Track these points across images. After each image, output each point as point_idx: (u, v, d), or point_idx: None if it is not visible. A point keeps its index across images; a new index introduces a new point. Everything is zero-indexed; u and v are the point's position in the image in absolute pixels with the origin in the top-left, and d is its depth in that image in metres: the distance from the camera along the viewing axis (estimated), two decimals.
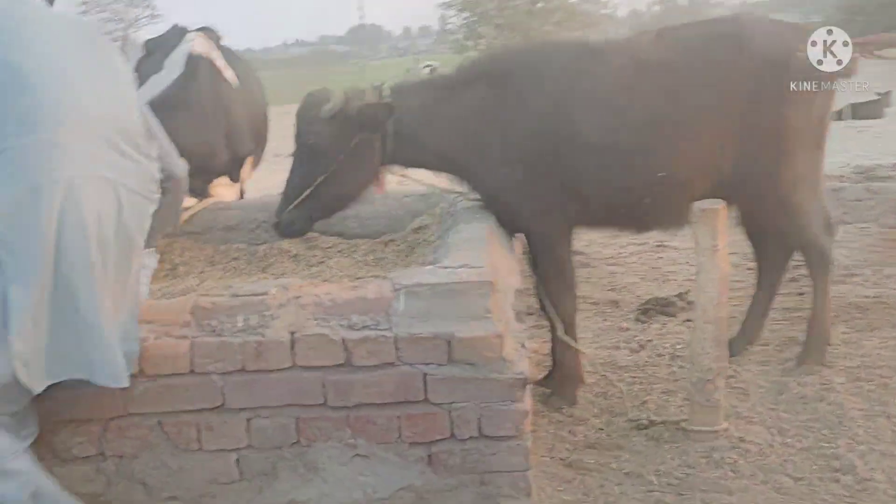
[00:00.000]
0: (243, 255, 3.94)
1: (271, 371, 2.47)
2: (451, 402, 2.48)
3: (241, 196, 4.69)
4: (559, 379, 3.52)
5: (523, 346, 2.57)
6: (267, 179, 5.42)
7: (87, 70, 2.38)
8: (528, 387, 2.49)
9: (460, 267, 2.53)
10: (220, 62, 4.45)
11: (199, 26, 4.99)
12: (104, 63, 2.49)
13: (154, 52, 4.66)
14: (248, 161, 4.58)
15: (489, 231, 3.06)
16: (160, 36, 5.01)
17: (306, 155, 3.27)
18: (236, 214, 4.06)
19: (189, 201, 3.83)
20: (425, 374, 2.46)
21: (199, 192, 3.91)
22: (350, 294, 2.52)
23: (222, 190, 4.18)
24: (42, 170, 2.17)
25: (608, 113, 3.28)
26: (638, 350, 4.08)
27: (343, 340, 2.44)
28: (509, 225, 3.40)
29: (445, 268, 2.55)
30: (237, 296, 2.53)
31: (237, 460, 2.54)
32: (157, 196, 2.58)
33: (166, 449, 2.53)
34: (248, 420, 2.51)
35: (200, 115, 3.90)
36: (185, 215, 3.81)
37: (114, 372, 2.27)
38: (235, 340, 2.46)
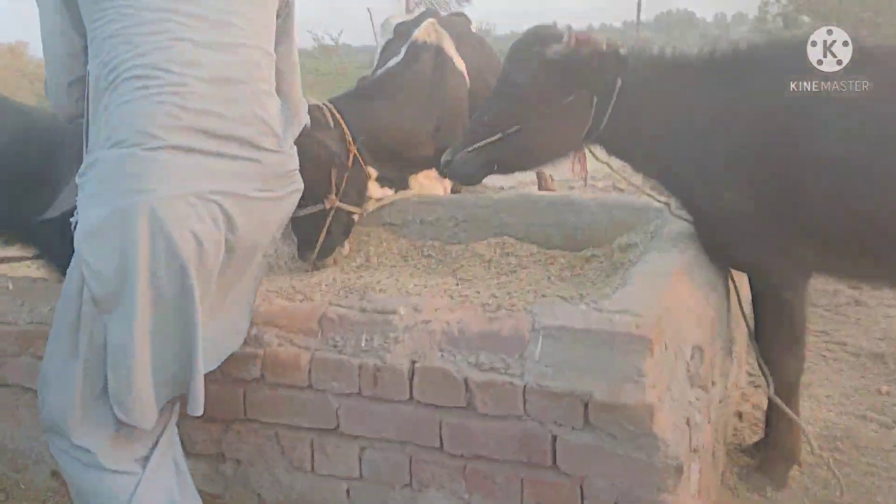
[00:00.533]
0: (436, 254, 3.73)
1: (387, 401, 2.21)
2: (584, 475, 2.04)
3: (452, 192, 4.47)
4: (767, 452, 2.86)
5: (688, 422, 2.04)
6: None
7: (209, 66, 1.99)
8: (684, 475, 1.97)
9: (618, 312, 2.07)
10: (451, 52, 4.24)
11: (455, 12, 4.85)
12: (242, 55, 2.08)
13: (400, 36, 4.62)
14: None
15: (681, 268, 2.51)
16: (411, 20, 4.96)
17: (509, 96, 2.78)
18: (436, 210, 3.86)
19: (384, 192, 3.71)
20: (555, 437, 2.04)
21: (396, 182, 3.74)
22: (483, 326, 2.16)
23: (428, 182, 3.99)
24: (125, 189, 1.87)
25: (870, 135, 2.52)
26: (891, 426, 3.23)
27: (466, 381, 2.11)
28: (722, 258, 2.80)
29: (600, 311, 2.10)
30: (365, 311, 2.29)
31: (347, 490, 2.33)
32: (295, 187, 2.24)
33: (280, 463, 2.39)
34: (362, 449, 2.28)
35: (406, 103, 3.72)
36: (377, 205, 3.70)
37: (196, 402, 2.03)
38: (355, 361, 2.23)
